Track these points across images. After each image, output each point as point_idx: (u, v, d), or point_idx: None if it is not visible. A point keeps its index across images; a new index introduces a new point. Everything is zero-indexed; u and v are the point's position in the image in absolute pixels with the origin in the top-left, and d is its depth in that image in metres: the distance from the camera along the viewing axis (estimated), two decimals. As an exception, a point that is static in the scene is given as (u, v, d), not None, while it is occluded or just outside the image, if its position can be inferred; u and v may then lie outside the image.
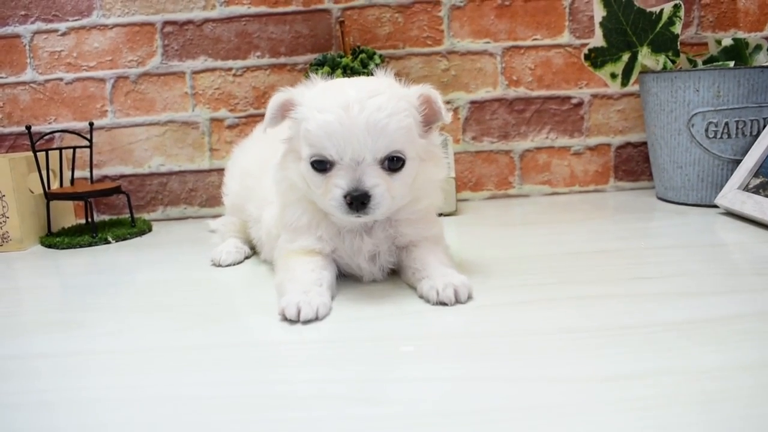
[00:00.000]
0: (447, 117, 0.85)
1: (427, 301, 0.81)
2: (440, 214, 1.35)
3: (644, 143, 1.55)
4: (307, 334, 0.74)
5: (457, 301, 0.79)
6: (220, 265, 1.06)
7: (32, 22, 1.51)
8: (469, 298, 0.81)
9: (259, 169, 1.03)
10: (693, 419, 0.50)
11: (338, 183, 0.79)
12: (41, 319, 0.87)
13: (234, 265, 1.07)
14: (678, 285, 0.84)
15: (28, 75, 1.52)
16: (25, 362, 0.71)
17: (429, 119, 0.86)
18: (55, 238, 1.32)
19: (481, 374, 0.61)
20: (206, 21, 1.51)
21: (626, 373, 0.59)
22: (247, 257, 1.11)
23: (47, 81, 1.53)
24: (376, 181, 0.79)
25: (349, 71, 1.34)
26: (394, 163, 0.81)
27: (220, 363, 0.67)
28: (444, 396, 0.57)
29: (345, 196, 0.78)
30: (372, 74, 1.33)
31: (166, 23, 1.51)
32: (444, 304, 0.79)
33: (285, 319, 0.76)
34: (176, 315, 0.85)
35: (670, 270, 0.91)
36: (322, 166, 0.80)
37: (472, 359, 0.65)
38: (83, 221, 1.48)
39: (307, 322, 0.75)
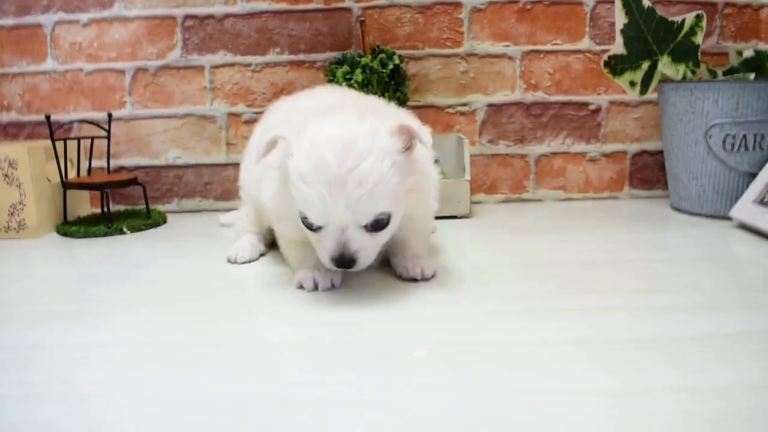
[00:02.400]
0: (428, 140, 0.85)
1: (399, 276, 0.94)
2: (453, 216, 1.36)
3: (660, 152, 1.55)
4: (318, 336, 0.74)
5: (423, 278, 0.92)
6: (236, 262, 1.07)
7: (54, 12, 1.52)
8: (433, 276, 0.94)
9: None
10: (702, 439, 0.51)
11: (325, 246, 0.83)
12: (54, 309, 0.88)
13: (250, 262, 1.08)
14: (690, 299, 0.84)
15: (48, 64, 1.54)
16: (42, 352, 0.72)
17: (410, 144, 0.87)
18: (71, 227, 1.33)
19: (491, 383, 0.61)
20: (227, 16, 1.51)
21: (636, 388, 0.59)
22: (262, 254, 1.11)
23: (67, 71, 1.54)
24: (360, 244, 0.82)
25: (368, 71, 1.34)
26: (378, 223, 0.83)
27: (229, 362, 0.68)
28: (454, 404, 0.57)
29: (333, 259, 0.83)
30: (385, 77, 1.33)
31: (187, 17, 1.51)
32: (414, 279, 0.92)
33: (301, 287, 0.90)
34: (189, 310, 0.85)
35: (682, 283, 0.91)
36: (309, 224, 0.84)
37: (482, 367, 0.65)
38: (99, 211, 1.49)
39: (325, 289, 0.89)
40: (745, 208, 1.21)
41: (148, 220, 1.40)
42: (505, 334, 0.73)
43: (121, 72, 1.54)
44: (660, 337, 0.71)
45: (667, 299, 0.84)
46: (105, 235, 1.32)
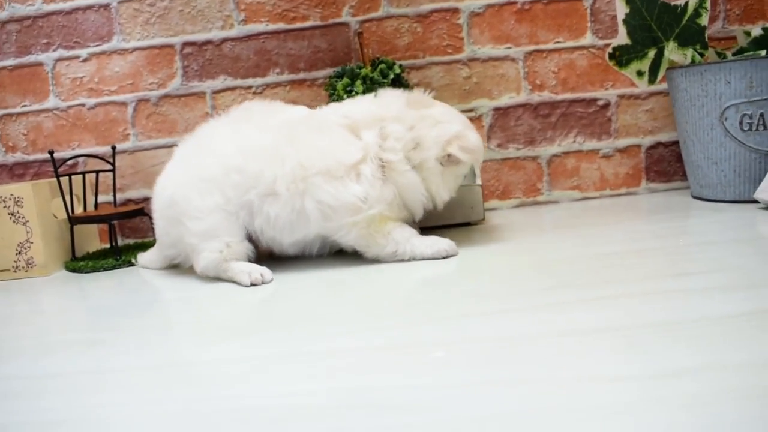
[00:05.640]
0: None
1: None
2: (468, 223, 1.32)
3: (675, 142, 1.50)
4: (333, 344, 0.71)
5: None
6: (264, 282, 1.02)
7: (54, 50, 1.52)
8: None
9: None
10: (747, 415, 0.46)
11: None
12: (64, 339, 0.86)
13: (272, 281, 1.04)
14: (723, 279, 0.79)
15: (51, 102, 1.54)
16: (55, 380, 0.69)
17: None
18: (79, 263, 1.31)
19: (518, 377, 0.57)
20: (225, 40, 1.51)
21: (675, 370, 0.55)
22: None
23: (70, 107, 1.54)
24: None
25: (369, 82, 1.32)
26: None
27: (244, 376, 0.65)
28: (480, 400, 0.53)
29: None
30: (390, 86, 1.31)
31: (186, 44, 1.51)
32: None
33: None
34: (200, 330, 0.82)
35: (712, 265, 0.86)
36: None
37: (509, 362, 0.61)
38: (108, 245, 1.47)
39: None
40: (769, 189, 1.16)
41: (158, 249, 1.37)
42: (534, 327, 0.69)
43: (123, 104, 1.53)
44: (697, 317, 0.67)
45: (699, 281, 0.80)
46: (113, 268, 1.30)
